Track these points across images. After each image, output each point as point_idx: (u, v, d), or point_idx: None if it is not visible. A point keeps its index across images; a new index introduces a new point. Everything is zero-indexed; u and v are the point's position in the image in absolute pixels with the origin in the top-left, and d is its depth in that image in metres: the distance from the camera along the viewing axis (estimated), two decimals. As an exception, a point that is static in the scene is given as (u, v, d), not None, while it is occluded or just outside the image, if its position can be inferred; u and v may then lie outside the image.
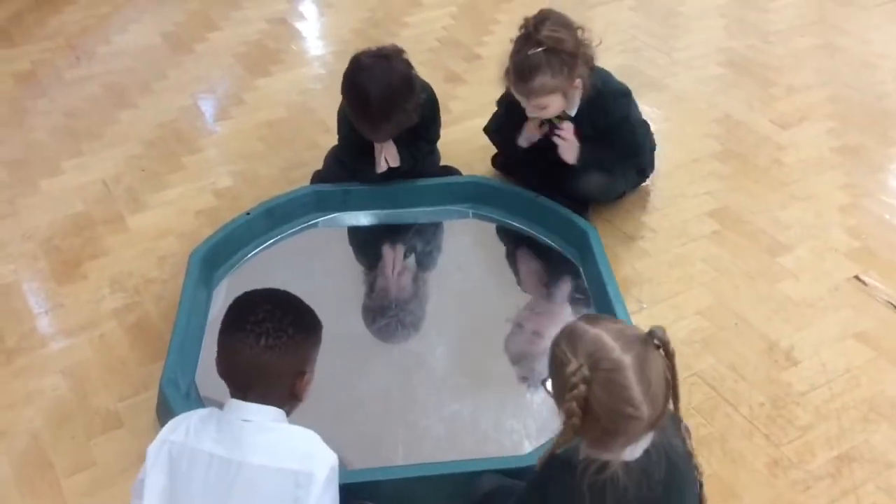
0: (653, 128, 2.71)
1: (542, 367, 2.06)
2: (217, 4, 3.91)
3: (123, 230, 2.53)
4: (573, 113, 2.31)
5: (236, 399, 1.40)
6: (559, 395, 1.23)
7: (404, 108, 2.24)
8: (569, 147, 2.33)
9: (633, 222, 2.50)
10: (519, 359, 2.12)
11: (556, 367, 1.24)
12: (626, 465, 1.23)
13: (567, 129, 2.32)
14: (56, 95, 3.23)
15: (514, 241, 2.46)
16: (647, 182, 2.62)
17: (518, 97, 2.25)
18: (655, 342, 1.22)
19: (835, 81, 3.19)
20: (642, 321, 2.15)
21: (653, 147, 2.58)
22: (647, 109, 2.97)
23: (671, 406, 1.26)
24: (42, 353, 2.14)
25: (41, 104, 3.17)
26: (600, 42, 2.28)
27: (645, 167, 2.54)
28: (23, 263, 2.42)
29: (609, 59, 3.29)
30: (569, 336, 1.24)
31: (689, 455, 1.32)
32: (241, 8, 3.88)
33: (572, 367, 1.18)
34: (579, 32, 2.22)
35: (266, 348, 1.38)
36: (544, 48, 2.15)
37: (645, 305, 2.22)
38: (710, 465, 1.82)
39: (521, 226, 2.45)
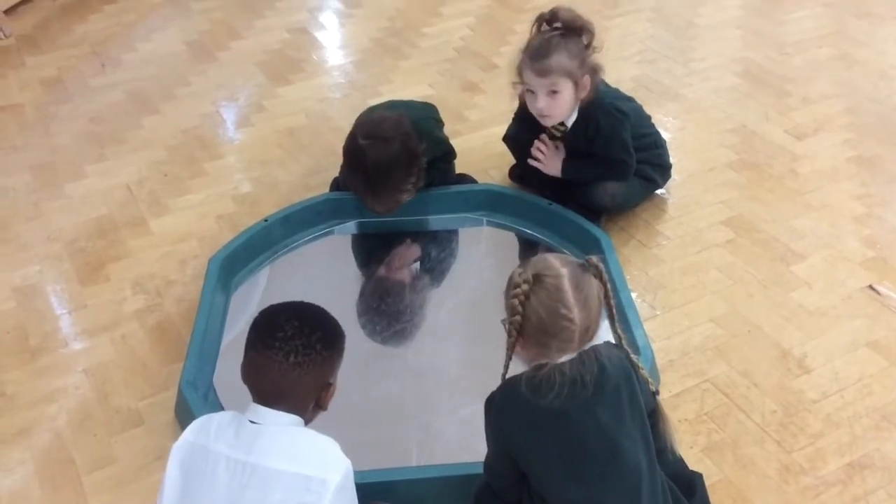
0: (668, 137, 2.74)
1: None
2: (241, 14, 3.98)
3: (146, 233, 2.58)
4: (570, 122, 2.35)
5: (258, 404, 1.43)
6: (507, 302, 1.44)
7: (401, 189, 2.31)
8: (545, 164, 2.43)
9: (648, 230, 2.52)
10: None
11: (508, 284, 1.45)
12: (560, 366, 1.41)
13: (543, 148, 2.41)
14: (81, 101, 3.29)
15: (528, 249, 2.48)
16: (663, 191, 2.64)
17: (531, 80, 2.25)
18: (591, 269, 1.44)
19: (851, 92, 3.19)
20: (656, 328, 2.17)
21: (668, 165, 2.60)
22: (663, 119, 3.00)
23: (610, 328, 1.50)
24: (65, 353, 2.19)
25: (66, 110, 3.24)
26: (602, 47, 2.31)
27: (655, 178, 2.55)
28: (48, 265, 2.47)
29: (626, 70, 3.34)
30: (522, 263, 1.48)
31: (634, 368, 1.49)
32: (263, 17, 3.94)
33: (518, 273, 1.42)
34: (594, 33, 2.25)
35: (295, 365, 1.41)
36: (561, 32, 2.20)
37: (658, 312, 2.24)
38: (721, 470, 1.84)
39: (534, 233, 2.48)
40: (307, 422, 1.47)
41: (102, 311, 2.30)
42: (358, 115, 2.52)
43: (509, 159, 2.69)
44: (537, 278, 1.40)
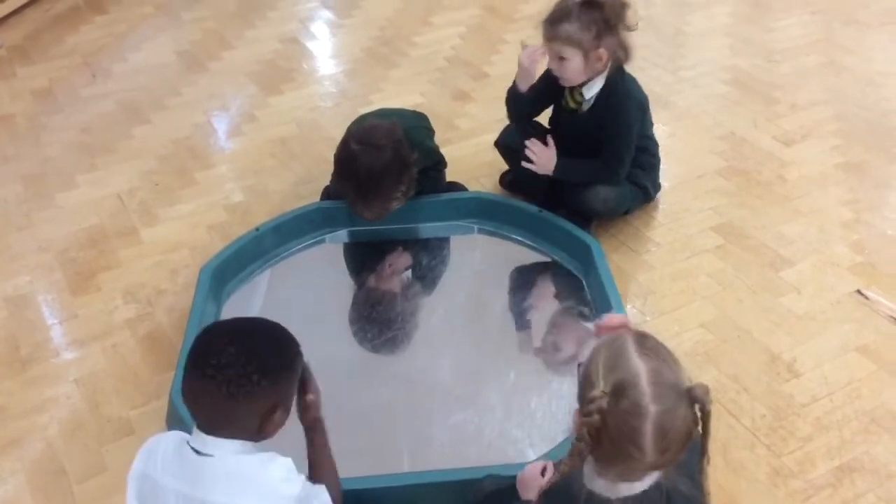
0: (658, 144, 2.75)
1: (543, 379, 2.11)
2: (232, 24, 3.99)
3: (137, 243, 2.58)
4: (589, 95, 2.36)
5: (201, 431, 1.35)
6: (580, 405, 1.22)
7: (391, 197, 2.32)
8: (538, 163, 2.39)
9: (638, 236, 2.53)
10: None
11: (586, 377, 1.21)
12: (624, 500, 1.21)
13: (535, 149, 2.39)
14: (72, 112, 3.30)
15: (519, 256, 2.49)
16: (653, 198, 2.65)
17: (544, 41, 2.30)
18: (693, 403, 1.16)
19: (839, 99, 3.22)
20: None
21: (658, 174, 2.61)
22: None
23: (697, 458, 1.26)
24: (56, 363, 2.18)
25: (57, 120, 3.24)
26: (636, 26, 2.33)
27: (646, 185, 2.56)
28: (38, 275, 2.47)
29: (615, 77, 3.35)
30: (613, 351, 1.20)
31: (703, 492, 1.29)
32: (254, 27, 3.96)
33: (596, 392, 1.15)
34: (624, 9, 2.28)
35: (228, 396, 1.30)
36: (582, 2, 2.23)
37: (648, 318, 2.25)
38: (711, 474, 1.83)
39: (525, 240, 2.49)
40: (260, 441, 1.38)
41: (93, 321, 2.30)
42: (349, 124, 2.52)
43: (499, 167, 2.70)
44: (617, 396, 1.14)
